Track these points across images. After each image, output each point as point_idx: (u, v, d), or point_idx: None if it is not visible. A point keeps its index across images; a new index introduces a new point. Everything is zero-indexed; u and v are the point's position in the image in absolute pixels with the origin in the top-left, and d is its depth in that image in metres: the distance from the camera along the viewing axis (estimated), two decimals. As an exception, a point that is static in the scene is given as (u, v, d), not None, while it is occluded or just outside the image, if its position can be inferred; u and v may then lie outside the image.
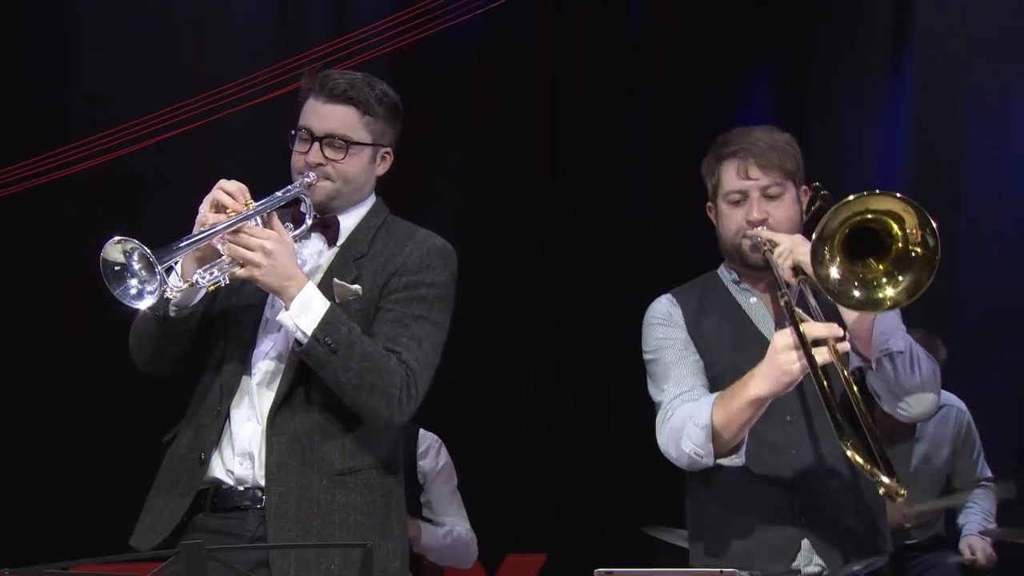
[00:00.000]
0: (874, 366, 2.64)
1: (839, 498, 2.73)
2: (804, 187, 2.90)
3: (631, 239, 5.41)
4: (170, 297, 2.57)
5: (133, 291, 2.52)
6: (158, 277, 2.48)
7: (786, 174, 2.82)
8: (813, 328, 2.50)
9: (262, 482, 2.66)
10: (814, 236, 2.50)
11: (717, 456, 2.64)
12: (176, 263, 2.60)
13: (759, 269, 2.82)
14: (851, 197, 2.49)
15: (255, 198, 2.70)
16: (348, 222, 2.84)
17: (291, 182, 2.79)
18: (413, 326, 2.72)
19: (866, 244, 2.53)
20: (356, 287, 2.73)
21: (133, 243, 2.50)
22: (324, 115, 2.77)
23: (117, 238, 2.50)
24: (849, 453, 2.38)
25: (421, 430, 4.44)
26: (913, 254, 2.50)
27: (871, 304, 2.53)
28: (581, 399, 5.40)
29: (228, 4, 5.20)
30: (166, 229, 5.01)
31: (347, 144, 2.76)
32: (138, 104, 4.93)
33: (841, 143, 5.36)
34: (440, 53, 5.33)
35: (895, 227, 2.51)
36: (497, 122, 5.49)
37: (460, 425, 5.06)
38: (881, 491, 2.35)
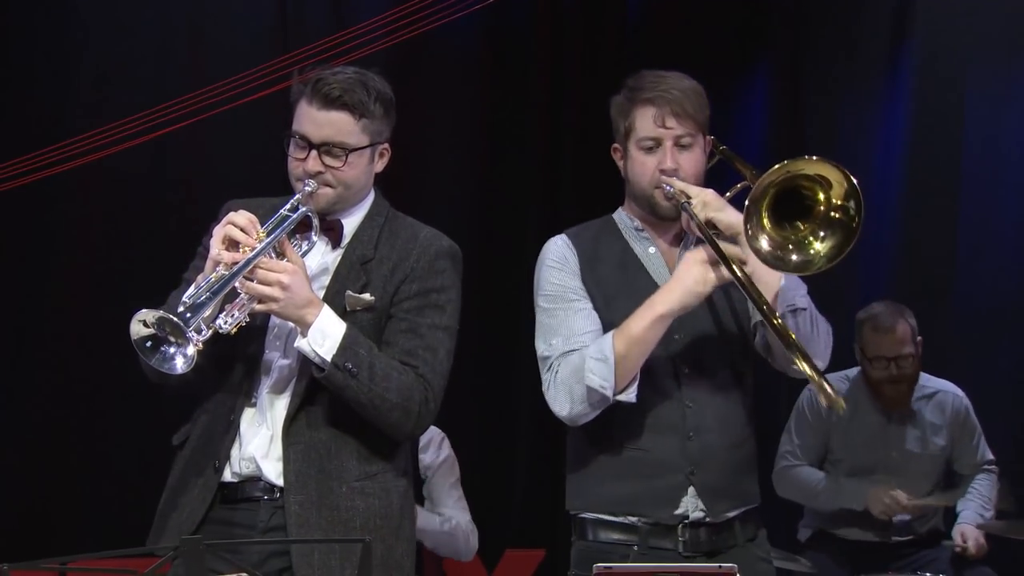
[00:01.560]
0: (778, 321, 2.70)
1: (725, 451, 2.83)
2: (710, 137, 2.93)
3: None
4: (200, 348, 2.51)
5: (169, 356, 2.48)
6: (191, 339, 2.46)
7: (698, 125, 2.87)
8: (730, 248, 2.65)
9: (272, 478, 2.68)
10: (744, 212, 2.58)
11: (617, 389, 2.72)
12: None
13: (668, 219, 2.87)
14: (775, 167, 2.58)
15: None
16: (351, 222, 2.83)
17: (291, 190, 2.77)
18: (428, 336, 2.75)
19: (791, 208, 2.61)
20: (368, 297, 2.73)
21: (157, 313, 2.47)
22: (320, 122, 2.72)
23: (140, 315, 2.46)
24: (801, 365, 2.54)
25: (425, 426, 4.45)
26: (834, 218, 2.59)
27: (808, 264, 2.61)
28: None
29: (226, 0, 5.20)
30: (164, 226, 5.03)
31: (346, 152, 2.73)
32: (135, 100, 4.93)
33: (840, 139, 5.36)
34: (438, 49, 5.33)
35: (819, 190, 2.59)
36: (495, 118, 5.49)
37: (460, 420, 5.05)
38: (823, 401, 2.51)
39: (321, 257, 2.80)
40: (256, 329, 2.74)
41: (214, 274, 2.56)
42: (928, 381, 4.45)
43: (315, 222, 2.73)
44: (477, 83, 5.47)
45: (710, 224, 2.71)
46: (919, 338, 4.35)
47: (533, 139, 5.50)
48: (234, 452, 2.71)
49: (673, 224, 2.89)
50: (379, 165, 2.84)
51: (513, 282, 5.44)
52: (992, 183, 5.22)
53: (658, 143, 2.84)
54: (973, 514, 4.36)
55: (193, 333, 2.46)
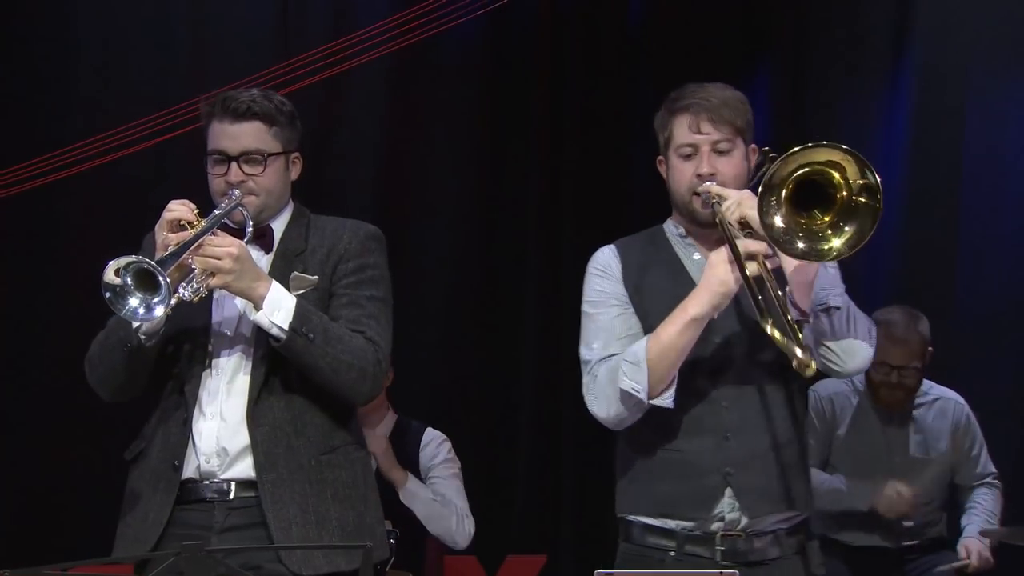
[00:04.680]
0: (811, 319, 2.72)
1: (764, 453, 2.81)
2: (752, 146, 2.93)
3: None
4: (175, 303, 2.68)
5: (141, 308, 2.64)
6: (164, 285, 2.58)
7: (736, 130, 2.87)
8: (747, 243, 2.65)
9: (235, 472, 2.80)
10: (760, 186, 2.59)
11: (651, 394, 2.73)
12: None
13: (708, 225, 2.87)
14: (796, 148, 2.60)
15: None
16: (278, 226, 2.98)
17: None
18: (368, 306, 2.90)
19: (811, 197, 2.63)
20: (313, 277, 2.89)
21: (130, 258, 2.61)
22: (234, 134, 2.89)
23: (114, 261, 2.60)
24: (769, 330, 2.54)
25: (428, 428, 4.46)
26: (855, 204, 2.59)
27: (815, 254, 2.62)
28: (581, 400, 5.38)
29: (228, 6, 5.20)
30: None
31: (263, 157, 2.90)
32: (137, 106, 4.94)
33: (842, 143, 5.35)
34: (439, 55, 5.33)
35: (838, 178, 2.61)
36: (496, 124, 5.49)
37: (460, 425, 5.06)
38: (794, 363, 2.50)
39: (257, 262, 2.89)
40: (199, 331, 2.87)
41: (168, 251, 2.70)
42: (930, 388, 4.45)
43: (248, 217, 2.87)
44: (477, 89, 5.47)
45: (743, 223, 2.71)
46: (930, 348, 4.34)
47: (534, 145, 5.50)
48: (191, 450, 2.81)
49: (715, 230, 2.86)
50: (294, 173, 3.02)
51: (514, 287, 5.45)
52: (993, 188, 5.22)
53: (695, 149, 2.86)
54: (977, 528, 4.35)
55: (167, 280, 2.59)
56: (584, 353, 2.91)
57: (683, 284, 2.86)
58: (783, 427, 2.84)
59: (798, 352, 2.49)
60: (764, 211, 2.59)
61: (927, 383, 4.43)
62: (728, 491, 2.79)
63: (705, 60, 5.29)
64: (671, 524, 2.81)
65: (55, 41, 4.98)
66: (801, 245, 2.62)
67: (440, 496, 4.27)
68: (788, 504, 2.83)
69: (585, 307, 2.95)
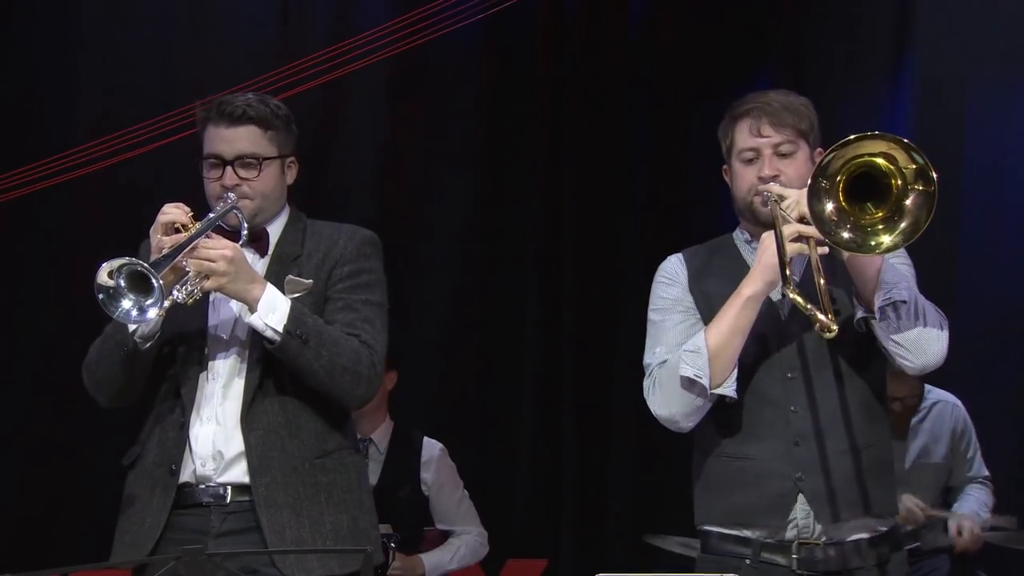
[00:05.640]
0: (878, 316, 2.68)
1: (836, 457, 2.76)
2: (819, 149, 2.89)
3: (632, 243, 5.42)
4: (168, 306, 2.68)
5: (134, 310, 2.64)
6: (157, 287, 2.58)
7: (799, 133, 2.85)
8: (797, 225, 2.66)
9: (231, 476, 2.79)
10: (814, 171, 2.59)
11: (714, 382, 2.70)
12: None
13: (771, 225, 2.80)
14: (852, 137, 2.60)
15: None
16: (274, 230, 2.98)
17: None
18: (363, 310, 2.90)
19: (866, 190, 2.61)
20: (308, 280, 2.88)
21: (123, 260, 2.61)
22: (230, 138, 2.89)
23: (107, 263, 2.61)
24: (791, 295, 2.55)
25: (425, 437, 4.45)
26: (913, 193, 2.58)
27: (861, 247, 2.61)
28: (582, 404, 5.40)
29: (229, 9, 5.21)
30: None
31: (259, 161, 2.89)
32: (139, 109, 4.95)
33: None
34: (440, 58, 5.34)
35: (893, 168, 2.59)
36: (498, 127, 5.49)
37: (460, 429, 5.06)
38: (816, 326, 2.52)
39: (252, 266, 2.88)
40: (195, 335, 2.87)
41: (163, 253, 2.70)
42: (928, 392, 4.45)
43: (243, 220, 2.86)
44: (478, 93, 5.48)
45: (804, 220, 2.67)
46: None
47: (535, 148, 5.51)
48: (187, 454, 2.81)
49: None
50: (290, 177, 3.00)
51: (516, 290, 5.45)
52: (994, 192, 5.22)
53: (757, 153, 2.84)
54: (970, 509, 4.35)
55: (160, 282, 2.58)
56: (647, 358, 2.87)
57: None
58: (858, 431, 2.78)
59: (819, 315, 2.50)
60: (814, 197, 2.58)
61: (924, 386, 4.43)
62: (800, 497, 2.74)
63: (705, 65, 5.30)
64: (746, 532, 2.77)
65: (58, 46, 4.99)
66: (846, 235, 2.60)
67: (455, 552, 4.29)
68: (866, 509, 2.76)
69: (651, 314, 2.91)
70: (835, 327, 2.51)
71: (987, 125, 5.21)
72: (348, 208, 5.10)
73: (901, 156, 2.58)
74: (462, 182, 5.46)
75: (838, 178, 2.60)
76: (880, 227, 2.61)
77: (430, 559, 4.20)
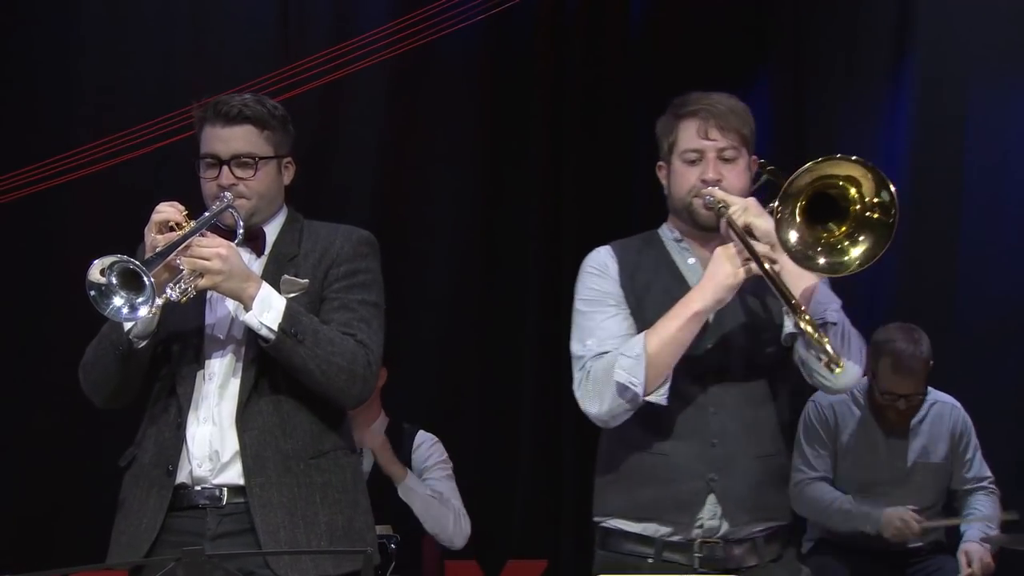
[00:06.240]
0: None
1: (748, 461, 2.81)
2: (754, 157, 2.94)
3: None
4: (161, 304, 2.68)
5: (125, 308, 2.64)
6: (148, 285, 2.58)
7: (742, 139, 2.88)
8: (761, 246, 2.68)
9: (227, 477, 2.78)
10: (776, 203, 2.61)
11: (647, 389, 2.73)
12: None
13: (707, 229, 2.87)
14: (808, 164, 2.62)
15: None
16: (271, 230, 2.97)
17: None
18: (360, 309, 2.89)
19: (825, 210, 2.64)
20: (304, 280, 2.87)
21: (115, 258, 2.61)
22: (226, 138, 2.88)
23: (99, 260, 2.62)
24: (803, 325, 2.57)
25: (420, 431, 4.47)
26: (871, 218, 2.62)
27: (836, 268, 2.64)
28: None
29: (228, 11, 5.21)
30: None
31: (255, 160, 2.88)
32: (139, 111, 4.94)
33: (842, 151, 5.35)
34: (440, 60, 5.34)
35: (853, 191, 2.63)
36: (497, 129, 5.49)
37: (460, 429, 5.07)
38: (824, 361, 2.54)
39: (248, 265, 2.88)
40: (191, 334, 2.86)
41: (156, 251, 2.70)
42: (927, 394, 4.45)
43: (239, 219, 2.86)
44: (479, 94, 5.48)
45: (748, 229, 2.72)
46: (931, 361, 4.34)
47: (535, 150, 5.51)
48: (184, 455, 2.80)
49: (713, 236, 2.87)
50: (287, 177, 3.00)
51: (515, 291, 5.45)
52: (994, 194, 5.21)
53: (701, 155, 2.86)
54: (978, 533, 4.35)
55: (152, 280, 2.58)
56: (577, 349, 2.89)
57: (678, 287, 2.87)
58: (768, 437, 2.86)
59: (828, 348, 2.52)
60: (780, 226, 2.60)
61: (928, 385, 4.43)
62: (711, 498, 2.79)
63: (706, 66, 5.29)
64: (650, 530, 2.82)
65: (57, 47, 4.99)
66: (822, 260, 2.64)
67: (438, 494, 4.28)
68: (767, 514, 2.85)
69: (579, 305, 2.93)
70: (843, 363, 2.53)
71: (987, 125, 5.20)
72: (348, 208, 5.11)
73: (865, 181, 2.63)
74: (462, 182, 5.46)
75: (797, 203, 2.62)
76: (847, 243, 2.64)
77: (411, 478, 4.21)
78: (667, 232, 2.99)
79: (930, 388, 4.45)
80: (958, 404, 4.47)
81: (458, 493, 4.38)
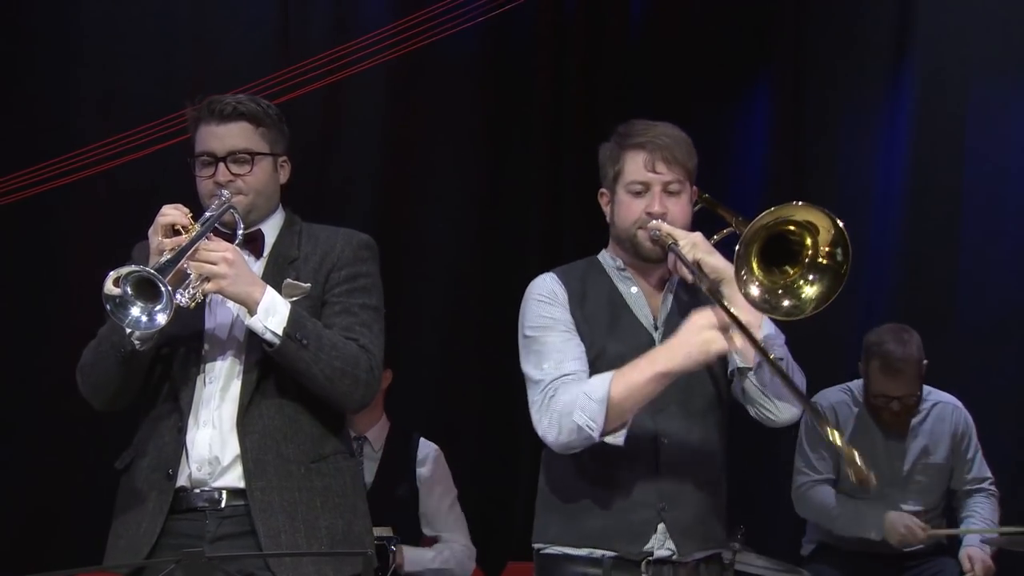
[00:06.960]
0: (754, 369, 2.75)
1: (695, 489, 2.83)
2: (694, 188, 2.95)
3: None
4: (177, 306, 2.66)
5: (144, 317, 2.61)
6: (165, 293, 2.57)
7: (687, 173, 2.90)
8: (743, 313, 2.62)
9: (227, 480, 2.78)
10: (735, 257, 2.59)
11: (605, 431, 2.71)
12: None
13: (651, 261, 2.89)
14: (763, 213, 2.60)
15: None
16: (269, 232, 2.97)
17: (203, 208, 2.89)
18: (361, 314, 2.90)
19: (778, 254, 2.63)
20: (306, 284, 2.87)
21: (130, 268, 2.59)
22: (221, 135, 2.90)
23: (113, 271, 2.59)
24: (837, 444, 2.44)
25: (422, 439, 4.44)
26: (822, 263, 2.61)
27: (795, 311, 2.63)
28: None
29: (229, 12, 5.22)
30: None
31: (251, 156, 2.89)
32: (140, 112, 4.95)
33: (841, 154, 5.36)
34: (441, 61, 5.35)
35: (806, 237, 2.62)
36: (498, 130, 5.50)
37: (460, 432, 5.07)
38: (854, 478, 2.38)
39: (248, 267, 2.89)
40: (191, 338, 2.86)
41: (164, 256, 2.69)
42: (928, 393, 4.44)
43: (239, 219, 2.87)
44: (479, 95, 5.49)
45: (697, 265, 2.73)
46: (924, 361, 4.33)
47: (535, 151, 5.51)
48: (183, 459, 2.79)
49: (656, 267, 2.90)
50: (283, 176, 3.01)
51: (515, 294, 5.44)
52: (994, 197, 5.21)
53: (647, 188, 2.87)
54: (978, 537, 4.34)
55: (169, 287, 2.57)
56: (534, 374, 2.84)
57: (626, 316, 2.89)
58: (715, 467, 2.89)
59: (862, 468, 2.37)
60: (741, 281, 2.58)
61: (924, 388, 4.43)
62: (661, 526, 2.80)
63: (706, 67, 5.30)
64: (596, 554, 2.82)
65: (59, 48, 4.99)
66: (786, 303, 2.63)
67: (438, 553, 4.24)
68: (711, 543, 2.88)
69: (529, 332, 2.89)
70: (874, 481, 2.43)
71: (987, 125, 5.20)
72: (348, 209, 5.11)
73: (822, 227, 2.60)
74: (462, 182, 5.46)
75: (753, 249, 2.61)
76: (802, 283, 2.63)
77: (411, 552, 4.18)
78: (608, 260, 3.00)
79: (932, 388, 4.45)
80: (960, 405, 4.46)
81: (463, 521, 4.35)
